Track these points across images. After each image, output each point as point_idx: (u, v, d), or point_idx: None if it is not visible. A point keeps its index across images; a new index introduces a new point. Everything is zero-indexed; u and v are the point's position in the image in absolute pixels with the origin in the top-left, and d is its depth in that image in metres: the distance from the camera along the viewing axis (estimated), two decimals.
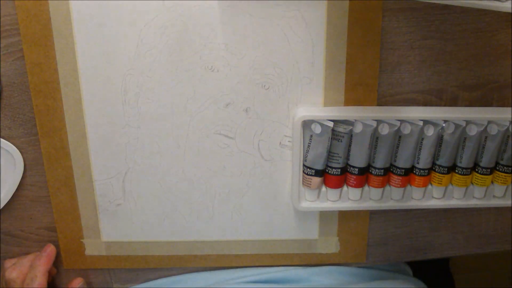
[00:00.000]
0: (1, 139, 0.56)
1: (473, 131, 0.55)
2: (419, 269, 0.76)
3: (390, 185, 0.59)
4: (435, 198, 0.60)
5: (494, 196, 0.60)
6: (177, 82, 0.55)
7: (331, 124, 0.54)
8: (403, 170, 0.57)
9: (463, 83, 0.57)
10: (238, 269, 0.64)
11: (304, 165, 0.57)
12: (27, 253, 0.62)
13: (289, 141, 0.58)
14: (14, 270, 0.58)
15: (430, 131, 0.55)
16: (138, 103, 0.56)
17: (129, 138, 0.57)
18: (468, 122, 0.56)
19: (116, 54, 0.54)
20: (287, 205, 0.61)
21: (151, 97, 0.55)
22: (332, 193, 0.59)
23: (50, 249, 0.61)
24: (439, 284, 0.92)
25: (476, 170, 0.58)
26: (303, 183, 0.58)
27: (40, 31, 0.52)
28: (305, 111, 0.55)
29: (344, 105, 0.56)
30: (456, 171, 0.57)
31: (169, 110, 0.56)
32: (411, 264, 0.76)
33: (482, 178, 0.58)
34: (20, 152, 0.57)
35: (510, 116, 0.55)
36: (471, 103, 0.58)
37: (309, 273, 0.64)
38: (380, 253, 0.65)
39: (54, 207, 0.60)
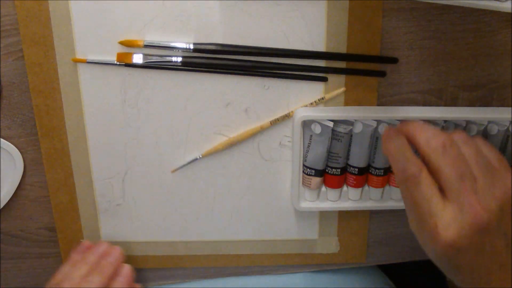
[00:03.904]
0: (1, 139, 0.56)
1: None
2: None
3: (390, 185, 0.59)
4: None
5: None
6: (177, 82, 0.55)
7: (331, 124, 0.54)
8: None
9: (463, 83, 0.57)
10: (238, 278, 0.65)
11: (304, 165, 0.57)
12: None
13: (289, 141, 0.58)
14: None
15: None
16: (138, 103, 0.56)
17: (129, 138, 0.57)
18: (468, 122, 0.55)
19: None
20: (287, 205, 0.61)
21: (151, 97, 0.55)
22: (332, 193, 0.59)
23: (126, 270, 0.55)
24: None
25: None
26: (303, 183, 0.58)
27: (40, 31, 0.52)
28: (305, 111, 0.55)
29: (344, 105, 0.56)
30: None
31: (169, 110, 0.56)
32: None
33: None
34: (20, 152, 0.57)
35: (510, 116, 0.55)
36: (471, 103, 0.58)
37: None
38: (380, 253, 0.65)
39: (54, 207, 0.60)
